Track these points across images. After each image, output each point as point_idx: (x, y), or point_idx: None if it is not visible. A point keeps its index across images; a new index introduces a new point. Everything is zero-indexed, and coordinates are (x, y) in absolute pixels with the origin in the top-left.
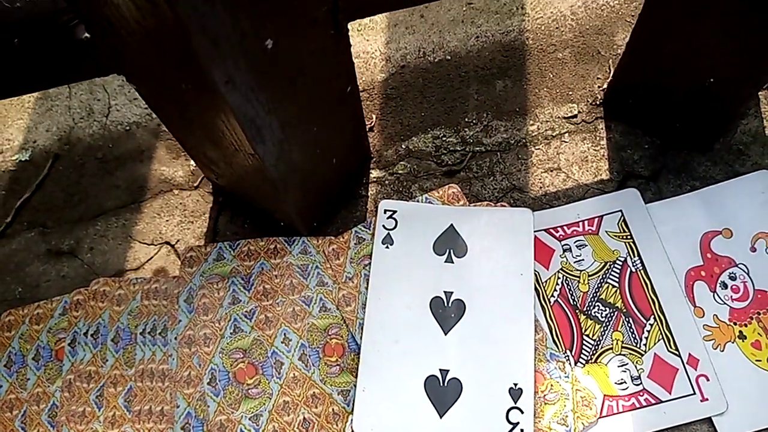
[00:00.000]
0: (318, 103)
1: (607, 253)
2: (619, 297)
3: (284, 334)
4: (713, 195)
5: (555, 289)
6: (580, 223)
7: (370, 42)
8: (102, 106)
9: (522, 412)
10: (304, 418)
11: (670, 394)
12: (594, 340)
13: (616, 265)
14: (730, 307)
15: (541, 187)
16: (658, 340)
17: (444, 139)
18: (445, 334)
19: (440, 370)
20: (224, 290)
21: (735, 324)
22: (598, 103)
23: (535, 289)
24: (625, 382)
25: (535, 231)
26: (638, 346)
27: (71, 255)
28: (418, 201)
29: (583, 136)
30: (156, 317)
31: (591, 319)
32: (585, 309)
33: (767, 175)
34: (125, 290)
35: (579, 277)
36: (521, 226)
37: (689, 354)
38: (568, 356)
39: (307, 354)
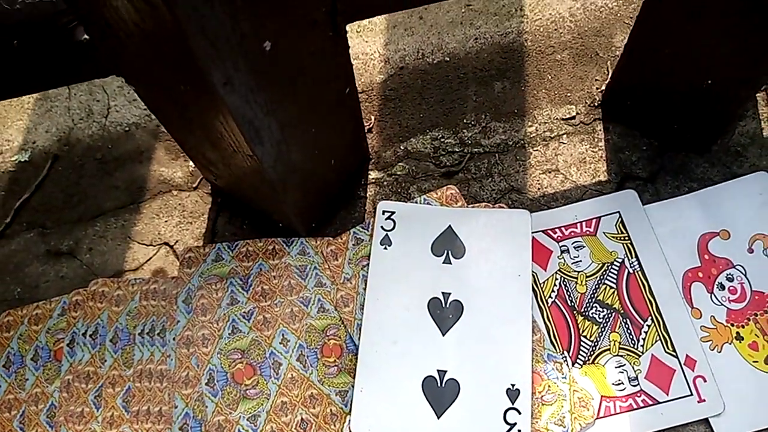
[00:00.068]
0: (317, 104)
1: (605, 254)
2: (617, 298)
3: (282, 334)
4: (711, 196)
5: (553, 290)
6: (578, 225)
7: (369, 43)
8: (101, 107)
9: (519, 413)
10: (302, 419)
11: (667, 395)
12: (591, 341)
13: (613, 267)
14: (728, 308)
15: (539, 189)
16: (656, 341)
17: (442, 140)
18: (443, 335)
19: (438, 370)
20: (223, 291)
21: (732, 325)
22: (596, 104)
23: (533, 290)
24: (622, 383)
25: (533, 232)
26: (635, 347)
27: (70, 255)
28: (416, 202)
29: (581, 137)
30: (154, 318)
31: (588, 320)
32: (582, 310)
33: (765, 177)
34: (124, 291)
35: (577, 278)
36: (519, 227)
37: (686, 355)
38: (565, 357)
39: (305, 355)
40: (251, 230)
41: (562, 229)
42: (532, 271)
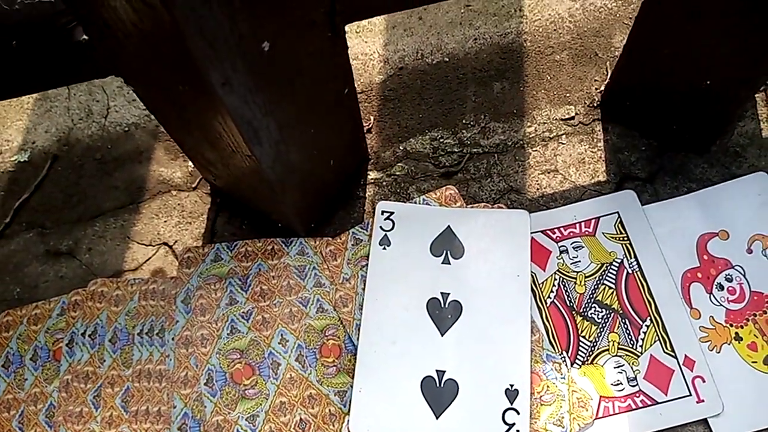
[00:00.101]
0: (315, 104)
1: (604, 254)
2: (616, 298)
3: (281, 334)
4: (710, 197)
5: (551, 291)
6: (577, 225)
7: (368, 44)
8: (101, 108)
9: (518, 413)
10: (301, 419)
11: (666, 395)
12: (590, 342)
13: (612, 267)
14: (727, 308)
15: (538, 189)
16: (654, 342)
17: (441, 140)
18: (442, 335)
19: (437, 371)
20: (221, 291)
21: (731, 326)
22: (595, 105)
23: (532, 290)
24: (621, 384)
25: (531, 232)
26: (634, 347)
27: (69, 255)
28: (415, 202)
29: (581, 137)
30: (153, 318)
31: (587, 321)
32: (581, 310)
33: (764, 177)
34: (123, 291)
35: (575, 278)
36: (518, 227)
37: (685, 355)
38: (564, 357)
39: (304, 355)
40: (250, 230)
41: (561, 229)
42: (531, 272)
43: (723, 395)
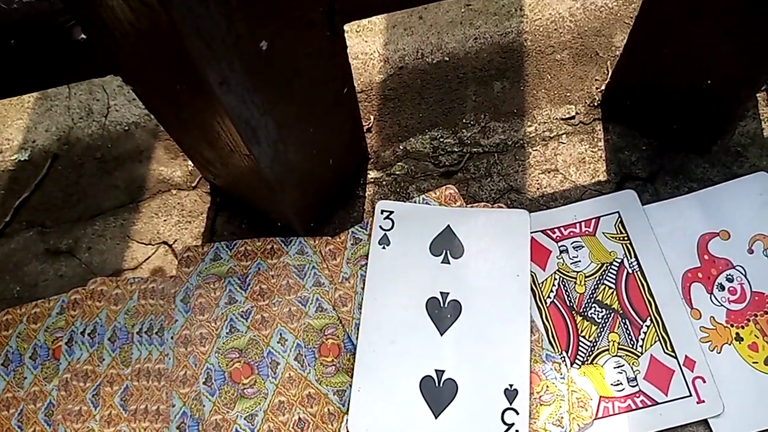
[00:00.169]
0: (314, 104)
1: (604, 254)
2: (616, 298)
3: (280, 334)
4: (711, 197)
5: (551, 290)
6: (577, 225)
7: (368, 43)
8: (101, 107)
9: (517, 413)
10: (300, 418)
11: (666, 395)
12: (590, 342)
13: (612, 267)
14: (727, 308)
15: (538, 189)
16: (655, 342)
17: (441, 140)
18: (441, 335)
19: (436, 370)
20: (221, 290)
21: (732, 326)
22: (595, 104)
23: (532, 290)
24: (621, 384)
25: (531, 232)
26: (634, 347)
27: (69, 254)
28: (415, 202)
29: (581, 137)
30: (153, 317)
31: (587, 321)
32: (581, 310)
33: (765, 177)
34: (122, 290)
35: (575, 278)
36: (518, 227)
37: (686, 356)
38: (564, 357)
39: (303, 354)
40: (250, 229)
41: (561, 229)
42: (531, 271)
43: (723, 396)
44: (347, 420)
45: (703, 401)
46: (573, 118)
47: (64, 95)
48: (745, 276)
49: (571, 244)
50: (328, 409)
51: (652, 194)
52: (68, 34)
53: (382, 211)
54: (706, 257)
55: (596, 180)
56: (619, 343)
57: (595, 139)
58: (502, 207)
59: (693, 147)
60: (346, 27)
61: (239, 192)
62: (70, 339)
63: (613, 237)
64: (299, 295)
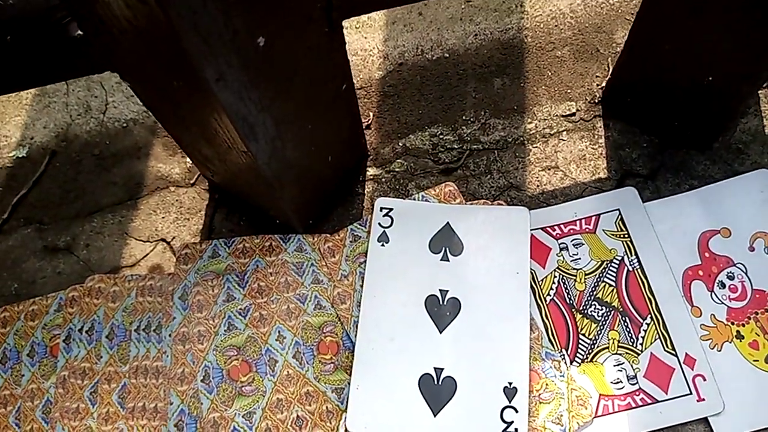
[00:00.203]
0: (313, 100)
1: (604, 251)
2: (616, 296)
3: (278, 331)
4: (712, 194)
5: (551, 288)
6: (578, 222)
7: (368, 39)
8: (99, 103)
9: (516, 411)
10: (298, 416)
11: (666, 393)
12: (590, 339)
13: (613, 264)
14: (728, 306)
15: (538, 186)
16: (655, 340)
17: (441, 136)
18: (440, 333)
19: (435, 368)
20: (219, 287)
21: (732, 324)
22: (596, 101)
23: (531, 287)
24: (621, 382)
25: (531, 229)
26: (635, 345)
27: (67, 251)
28: (414, 199)
29: (581, 134)
30: (151, 314)
31: (587, 318)
32: (581, 308)
33: (766, 174)
34: (120, 287)
35: (575, 275)
36: (518, 224)
37: (686, 354)
38: (563, 355)
39: (302, 352)
40: (248, 227)
41: (561, 226)
42: (531, 269)
43: (724, 394)
44: (346, 418)
45: (704, 399)
46: (573, 114)
47: (62, 92)
48: (745, 274)
49: (571, 241)
50: (327, 407)
51: (653, 191)
52: (65, 31)
53: (381, 209)
54: (706, 255)
55: (597, 177)
56: (619, 341)
57: (596, 136)
58: (501, 204)
59: (694, 144)
60: (345, 23)
61: (237, 189)
62: (67, 336)
63: (613, 234)
64: (298, 292)
